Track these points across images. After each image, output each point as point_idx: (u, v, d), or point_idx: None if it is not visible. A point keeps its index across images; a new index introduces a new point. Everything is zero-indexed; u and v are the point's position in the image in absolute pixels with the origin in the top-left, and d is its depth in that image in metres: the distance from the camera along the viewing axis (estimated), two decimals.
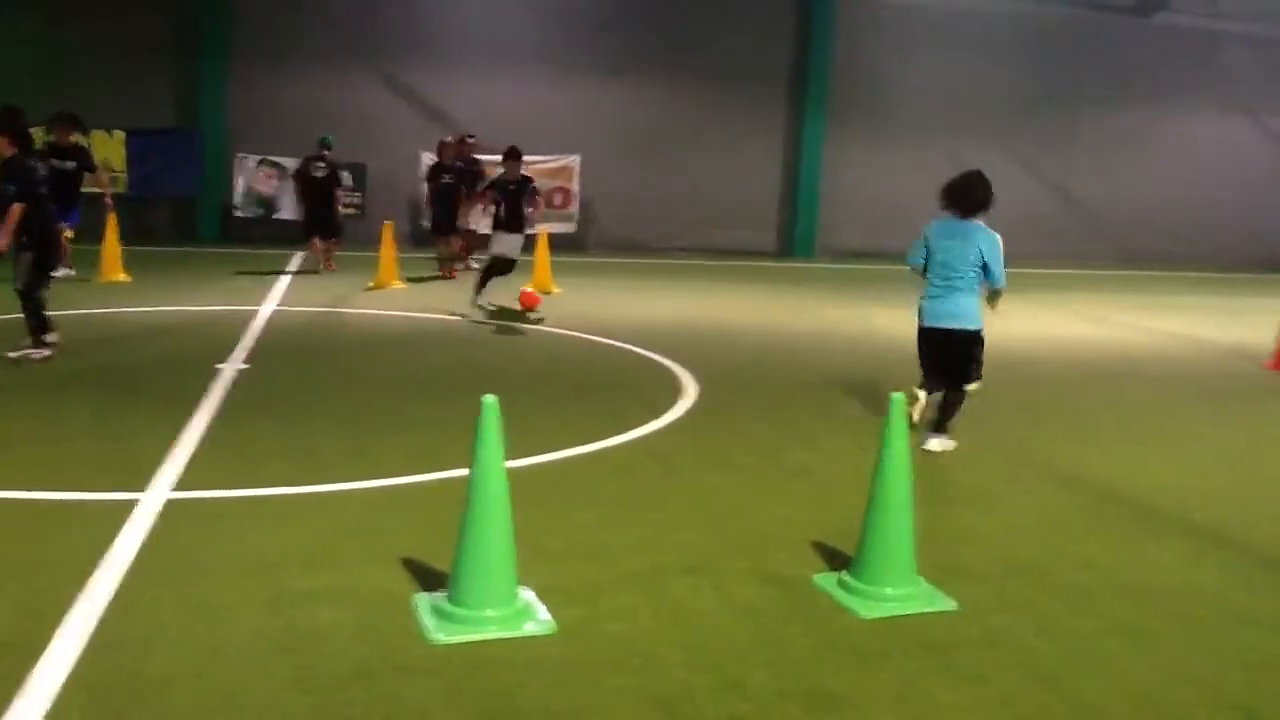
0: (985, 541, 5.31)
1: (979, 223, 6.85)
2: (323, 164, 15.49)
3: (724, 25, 20.67)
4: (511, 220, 12.11)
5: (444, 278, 15.20)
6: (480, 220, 13.40)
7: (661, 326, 11.71)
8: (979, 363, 6.93)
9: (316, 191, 15.48)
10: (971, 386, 6.93)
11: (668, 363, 9.57)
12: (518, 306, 12.22)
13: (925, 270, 7.04)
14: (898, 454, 4.42)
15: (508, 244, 12.18)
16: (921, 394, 6.93)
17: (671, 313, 12.88)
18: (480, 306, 12.12)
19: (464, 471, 4.09)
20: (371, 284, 14.02)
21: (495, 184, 12.40)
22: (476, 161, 16.52)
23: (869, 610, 4.35)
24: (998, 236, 6.81)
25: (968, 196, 6.82)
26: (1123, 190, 22.16)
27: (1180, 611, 4.52)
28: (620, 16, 20.40)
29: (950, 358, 6.92)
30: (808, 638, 4.13)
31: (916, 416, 6.69)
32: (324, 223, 15.59)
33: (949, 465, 6.61)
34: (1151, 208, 22.29)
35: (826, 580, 4.64)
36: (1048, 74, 21.92)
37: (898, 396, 4.43)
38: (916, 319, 7.07)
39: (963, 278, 6.81)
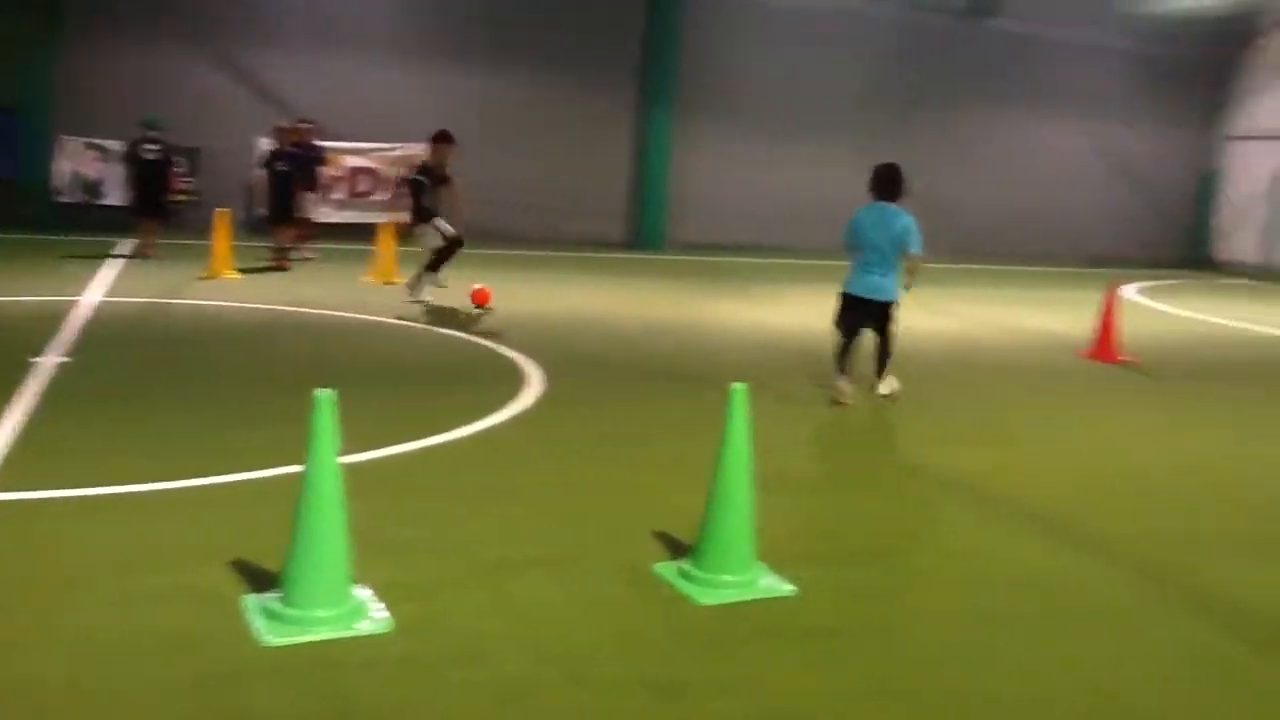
0: (828, 528, 5.44)
1: (896, 207, 8.13)
2: (155, 146, 14.85)
3: (573, 15, 20.61)
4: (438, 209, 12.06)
5: (278, 268, 14.66)
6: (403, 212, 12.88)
7: (509, 318, 11.62)
8: (893, 320, 8.16)
9: (148, 174, 14.83)
10: (891, 346, 8.22)
11: (514, 355, 9.50)
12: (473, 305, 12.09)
13: (852, 248, 8.24)
14: (737, 444, 4.49)
15: (447, 226, 12.08)
16: (844, 383, 8.12)
17: (519, 304, 12.78)
18: (422, 299, 12.02)
19: (298, 468, 3.98)
20: (204, 274, 13.50)
21: (425, 170, 12.18)
22: (315, 148, 16.09)
23: (708, 597, 4.41)
24: (912, 217, 8.09)
25: (893, 184, 8.25)
26: (957, 187, 22.99)
27: (1027, 598, 4.69)
28: (468, 3, 20.14)
29: (867, 320, 8.15)
30: (650, 627, 4.16)
31: (848, 397, 8.09)
32: (157, 207, 14.98)
33: (797, 452, 6.75)
34: (983, 205, 23.20)
35: (667, 569, 4.68)
36: (889, 74, 22.57)
37: (738, 387, 4.50)
38: (842, 286, 8.28)
39: (886, 257, 8.02)
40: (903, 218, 8.05)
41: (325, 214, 18.28)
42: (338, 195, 19.02)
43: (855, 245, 8.18)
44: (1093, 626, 4.42)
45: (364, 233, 17.59)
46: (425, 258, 12.28)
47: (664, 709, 3.54)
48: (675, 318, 12.53)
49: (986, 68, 23.21)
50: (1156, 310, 16.20)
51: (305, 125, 16.03)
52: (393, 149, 19.22)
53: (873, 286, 8.07)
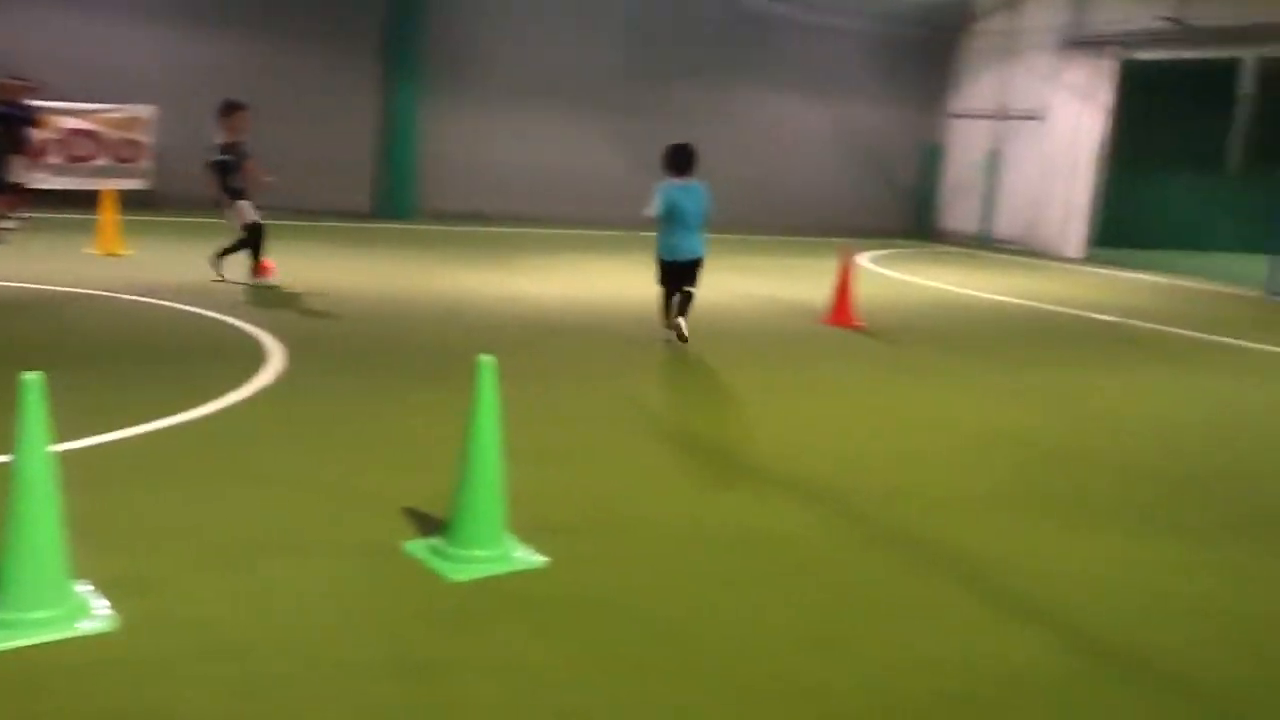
0: (580, 497, 5.46)
1: (696, 180, 9.66)
2: None
3: None
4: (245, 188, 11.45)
5: None
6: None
7: (244, 290, 11.10)
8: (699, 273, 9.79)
9: None
10: (696, 289, 9.83)
11: (252, 329, 9.08)
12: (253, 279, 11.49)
13: (667, 220, 9.59)
14: (485, 416, 4.43)
15: (251, 212, 11.53)
16: (680, 324, 9.65)
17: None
18: (222, 276, 11.44)
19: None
20: None
21: (229, 148, 11.41)
22: (26, 108, 14.77)
23: (459, 573, 4.35)
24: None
25: (690, 161, 9.76)
26: (706, 161, 23.56)
27: (759, 554, 4.86)
28: None
29: (686, 278, 9.77)
30: (399, 608, 4.06)
31: (680, 334, 9.60)
32: None
33: (548, 423, 6.74)
34: (727, 177, 23.77)
35: (418, 547, 4.59)
36: (639, 48, 22.81)
37: (486, 359, 4.44)
38: (661, 255, 9.79)
39: (696, 223, 9.66)
40: (704, 190, 9.74)
41: (39, 180, 16.87)
42: (54, 159, 17.58)
43: (671, 217, 9.57)
44: (820, 580, 4.64)
45: (82, 200, 16.40)
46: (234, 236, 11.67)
47: (415, 690, 3.47)
48: (426, 289, 12.30)
49: (731, 44, 23.86)
50: (888, 277, 17.18)
51: (18, 83, 14.64)
52: (116, 110, 17.94)
53: (692, 248, 9.70)
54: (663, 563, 4.70)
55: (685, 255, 9.72)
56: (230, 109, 11.59)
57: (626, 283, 14.02)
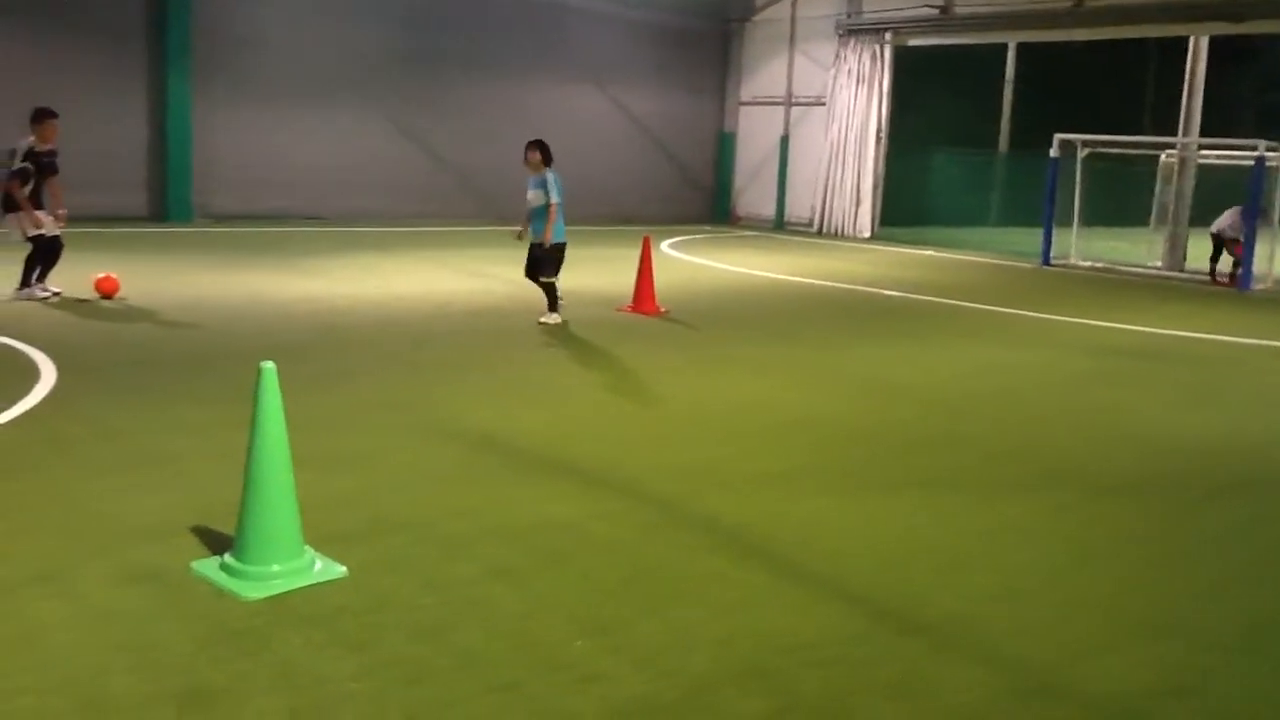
0: (367, 502, 5.29)
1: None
2: None
3: None
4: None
5: None
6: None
7: (10, 306, 10.33)
8: None
9: None
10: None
11: (18, 345, 8.45)
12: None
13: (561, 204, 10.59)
14: (271, 424, 4.24)
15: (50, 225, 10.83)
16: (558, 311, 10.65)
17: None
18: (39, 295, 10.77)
19: None
20: None
21: (31, 155, 10.50)
22: None
23: (254, 591, 4.15)
24: None
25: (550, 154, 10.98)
26: (490, 152, 23.27)
27: (548, 546, 4.84)
28: None
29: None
30: (182, 633, 3.83)
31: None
32: None
33: (328, 428, 6.50)
34: (516, 168, 23.69)
35: (207, 566, 4.35)
36: (416, 40, 22.36)
37: (268, 366, 4.23)
38: (562, 240, 10.74)
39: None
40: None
41: None
42: None
43: (562, 203, 10.65)
44: (602, 566, 4.66)
45: None
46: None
47: (197, 718, 3.26)
48: (208, 295, 11.72)
49: (516, 33, 23.69)
50: (688, 262, 17.43)
51: None
52: None
53: (563, 230, 10.79)
54: (455, 562, 4.60)
55: (564, 236, 10.77)
56: (39, 116, 10.78)
57: (417, 279, 13.75)
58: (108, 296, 11.01)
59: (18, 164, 10.55)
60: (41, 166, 10.68)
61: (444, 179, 22.94)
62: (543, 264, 10.76)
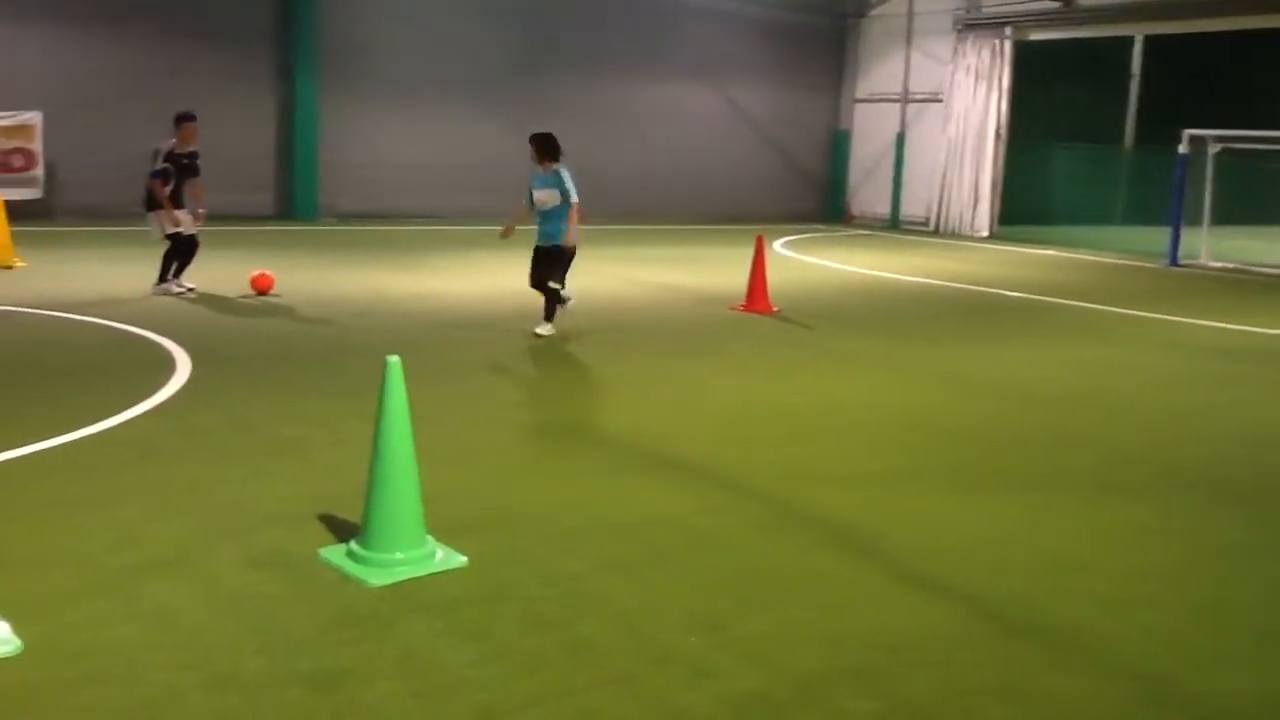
0: (485, 494, 5.43)
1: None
2: None
3: None
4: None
5: None
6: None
7: (145, 299, 10.81)
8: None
9: None
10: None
11: (156, 339, 8.85)
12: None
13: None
14: (396, 417, 4.38)
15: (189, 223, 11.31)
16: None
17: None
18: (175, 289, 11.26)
19: None
20: None
21: (171, 157, 11.02)
22: None
23: (379, 578, 4.29)
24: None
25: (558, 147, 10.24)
26: (603, 150, 23.49)
27: (658, 540, 4.90)
28: None
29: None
30: (309, 616, 3.99)
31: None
32: None
33: (447, 422, 6.67)
34: (630, 168, 23.89)
35: (333, 553, 4.52)
36: (532, 40, 22.69)
37: (393, 360, 4.37)
38: (575, 242, 9.99)
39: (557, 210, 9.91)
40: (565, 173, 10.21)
41: None
42: None
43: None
44: (715, 561, 4.70)
45: None
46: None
47: (319, 701, 3.41)
48: (332, 291, 12.09)
49: (628, 32, 23.83)
50: (801, 261, 17.34)
51: None
52: (5, 118, 17.36)
53: (547, 233, 10.01)
54: (569, 555, 4.69)
55: (544, 240, 10.04)
56: (179, 120, 11.24)
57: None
58: (263, 293, 11.41)
59: (158, 165, 11.06)
60: (181, 168, 11.16)
61: None
62: (554, 268, 9.87)
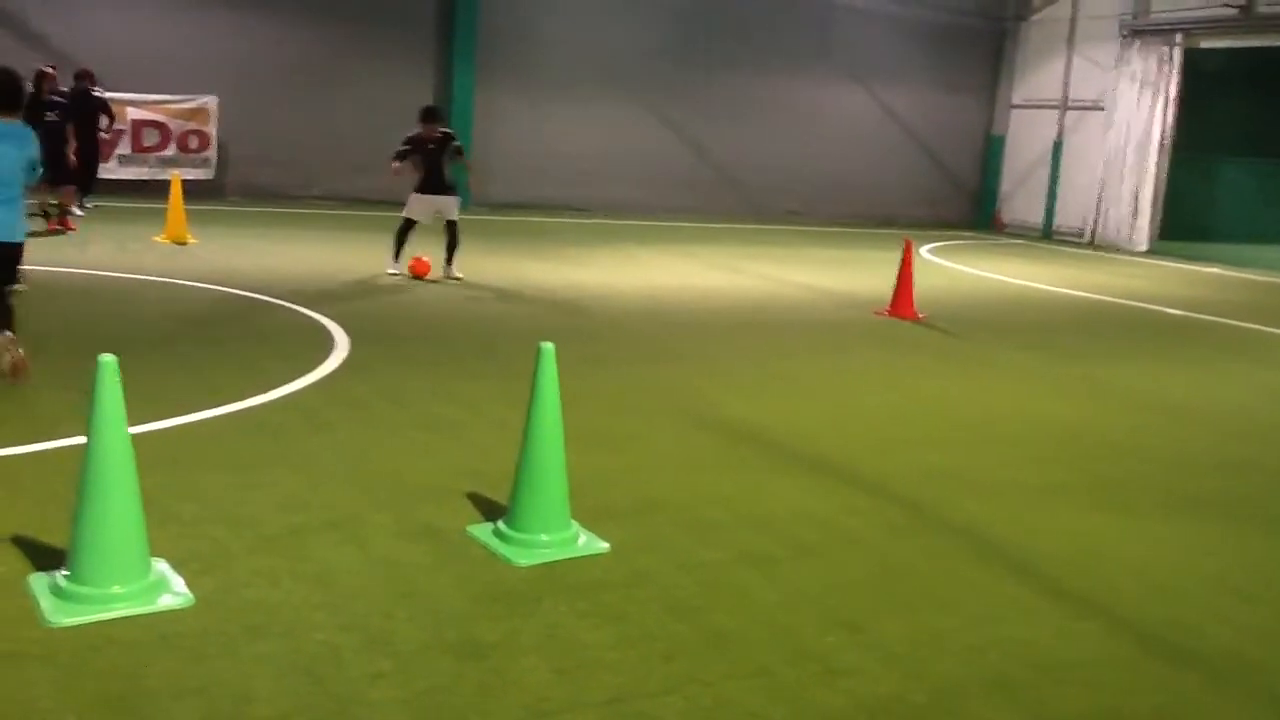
0: (629, 482, 5.52)
1: None
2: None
3: None
4: (431, 180, 11.76)
5: (57, 231, 13.34)
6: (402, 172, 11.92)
7: (310, 278, 11.27)
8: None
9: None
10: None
11: (317, 316, 9.23)
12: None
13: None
14: (546, 401, 4.49)
15: (421, 205, 11.82)
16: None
17: (321, 264, 12.43)
18: (395, 271, 11.79)
19: (84, 440, 3.75)
20: None
21: (412, 142, 11.71)
22: (99, 99, 15.01)
23: (524, 558, 4.41)
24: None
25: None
26: (753, 148, 23.51)
27: (800, 537, 4.92)
28: None
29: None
30: (458, 589, 4.13)
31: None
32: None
33: (596, 409, 6.78)
34: (776, 166, 23.82)
35: (481, 531, 4.66)
36: (686, 35, 22.79)
37: (547, 346, 4.49)
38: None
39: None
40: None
41: (110, 169, 17.24)
42: (122, 150, 17.95)
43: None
44: (855, 562, 4.69)
45: (149, 189, 16.74)
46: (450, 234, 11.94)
47: (466, 670, 3.54)
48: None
49: (782, 30, 23.73)
50: (948, 268, 17.02)
51: (49, 70, 14.16)
52: (181, 101, 18.28)
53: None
54: (710, 546, 4.75)
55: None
56: (428, 114, 11.91)
57: (674, 271, 14.04)
58: (420, 277, 11.79)
59: (400, 147, 11.76)
60: (427, 153, 11.71)
61: (705, 173, 23.29)
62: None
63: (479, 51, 20.88)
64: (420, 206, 11.94)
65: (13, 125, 6.62)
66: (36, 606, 3.69)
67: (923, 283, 12.69)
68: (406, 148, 11.76)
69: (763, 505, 5.31)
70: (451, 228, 11.91)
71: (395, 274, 11.84)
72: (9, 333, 6.60)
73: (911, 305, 11.64)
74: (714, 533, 4.90)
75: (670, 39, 22.54)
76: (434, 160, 11.79)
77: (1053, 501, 5.74)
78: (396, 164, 11.73)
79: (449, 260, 11.95)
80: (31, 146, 6.65)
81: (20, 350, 6.52)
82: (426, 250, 12.02)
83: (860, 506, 5.43)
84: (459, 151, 12.07)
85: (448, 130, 12.15)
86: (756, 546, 4.78)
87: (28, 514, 4.45)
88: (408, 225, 11.92)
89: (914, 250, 12.06)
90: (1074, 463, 6.53)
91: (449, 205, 11.99)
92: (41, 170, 6.91)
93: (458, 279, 11.83)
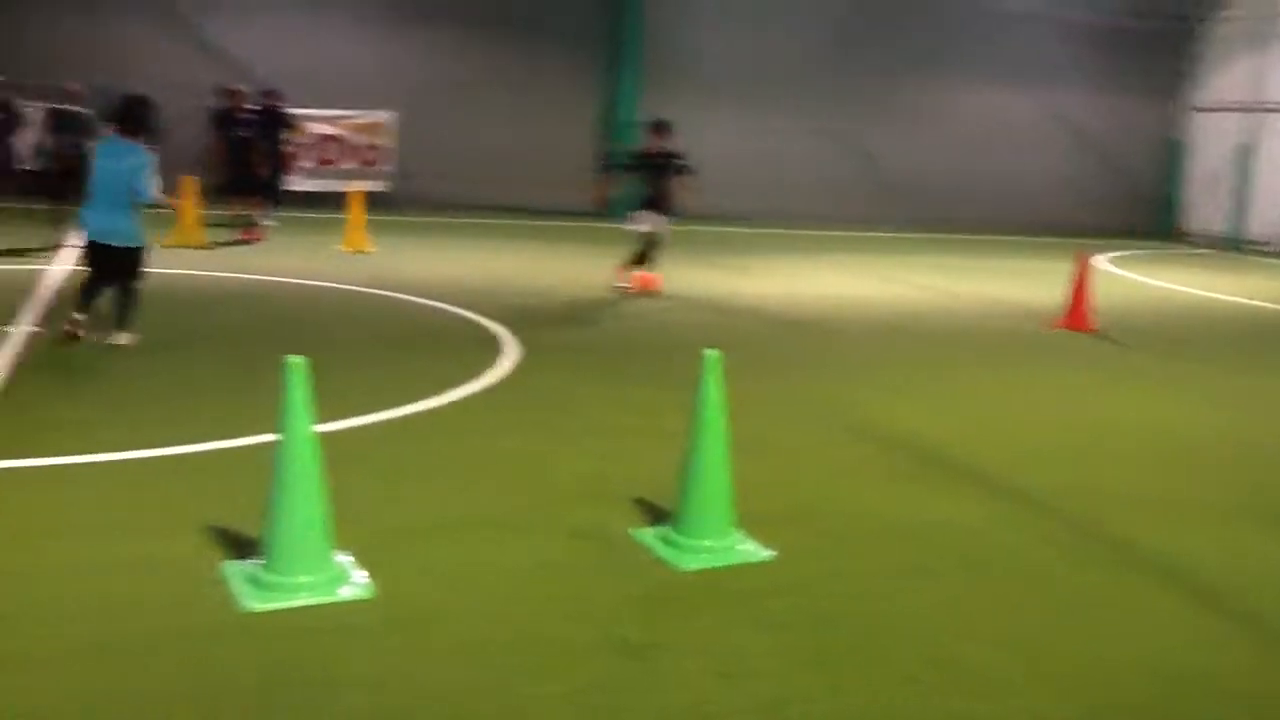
0: (791, 491, 5.53)
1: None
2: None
3: None
4: (656, 197, 11.45)
5: (246, 241, 14.24)
6: None
7: (481, 286, 11.61)
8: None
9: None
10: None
11: (487, 323, 9.51)
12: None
13: None
14: (711, 409, 4.54)
15: (650, 222, 11.53)
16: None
17: (491, 272, 12.80)
18: (621, 286, 11.64)
19: (274, 437, 3.99)
20: (169, 242, 13.38)
21: (636, 157, 11.54)
22: (282, 114, 15.80)
23: (688, 562, 4.48)
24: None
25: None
26: (916, 157, 23.06)
27: (959, 550, 4.85)
28: None
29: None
30: (620, 591, 4.22)
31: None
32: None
33: (759, 418, 6.80)
34: (942, 173, 23.31)
35: (645, 535, 4.74)
36: (849, 42, 22.55)
37: (712, 354, 4.54)
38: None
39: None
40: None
41: (294, 182, 18.13)
42: (306, 163, 18.85)
43: None
44: (1011, 575, 4.61)
45: (330, 201, 17.50)
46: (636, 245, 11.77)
47: (630, 668, 3.62)
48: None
49: (945, 36, 23.23)
50: (1126, 279, 16.37)
51: (240, 89, 15.08)
52: (360, 116, 19.08)
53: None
54: (868, 556, 4.75)
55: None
56: (657, 127, 11.66)
57: (836, 281, 13.91)
58: (647, 291, 11.58)
59: (624, 160, 11.74)
60: (642, 167, 11.53)
61: (869, 182, 22.97)
62: None
63: (644, 64, 21.13)
64: (647, 221, 11.63)
65: (126, 144, 7.66)
66: (232, 592, 3.94)
67: (1099, 294, 12.24)
68: (628, 161, 11.39)
69: (924, 518, 5.24)
70: (651, 241, 11.61)
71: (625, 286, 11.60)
72: (86, 316, 7.67)
73: (1087, 317, 11.25)
74: (874, 543, 4.88)
75: (833, 46, 22.35)
76: (657, 176, 11.49)
77: (1219, 518, 5.50)
78: (606, 178, 11.29)
79: (625, 267, 11.83)
80: (134, 162, 7.56)
81: (80, 331, 7.56)
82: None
83: (1023, 520, 5.31)
84: (682, 171, 11.63)
85: (672, 149, 11.69)
86: (917, 558, 4.73)
87: (224, 505, 4.75)
88: (646, 237, 11.57)
89: (1089, 260, 11.65)
90: (1250, 482, 6.23)
91: (666, 226, 11.75)
92: (151, 187, 7.64)
93: (623, 288, 11.85)
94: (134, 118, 7.73)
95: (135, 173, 7.52)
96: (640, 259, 11.70)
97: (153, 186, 7.62)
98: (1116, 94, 24.81)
